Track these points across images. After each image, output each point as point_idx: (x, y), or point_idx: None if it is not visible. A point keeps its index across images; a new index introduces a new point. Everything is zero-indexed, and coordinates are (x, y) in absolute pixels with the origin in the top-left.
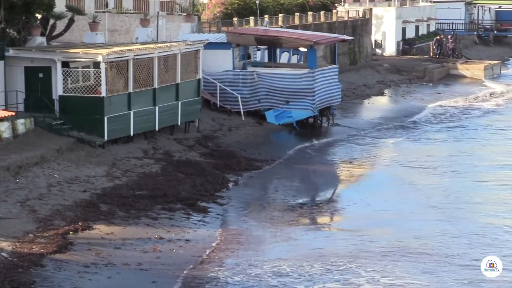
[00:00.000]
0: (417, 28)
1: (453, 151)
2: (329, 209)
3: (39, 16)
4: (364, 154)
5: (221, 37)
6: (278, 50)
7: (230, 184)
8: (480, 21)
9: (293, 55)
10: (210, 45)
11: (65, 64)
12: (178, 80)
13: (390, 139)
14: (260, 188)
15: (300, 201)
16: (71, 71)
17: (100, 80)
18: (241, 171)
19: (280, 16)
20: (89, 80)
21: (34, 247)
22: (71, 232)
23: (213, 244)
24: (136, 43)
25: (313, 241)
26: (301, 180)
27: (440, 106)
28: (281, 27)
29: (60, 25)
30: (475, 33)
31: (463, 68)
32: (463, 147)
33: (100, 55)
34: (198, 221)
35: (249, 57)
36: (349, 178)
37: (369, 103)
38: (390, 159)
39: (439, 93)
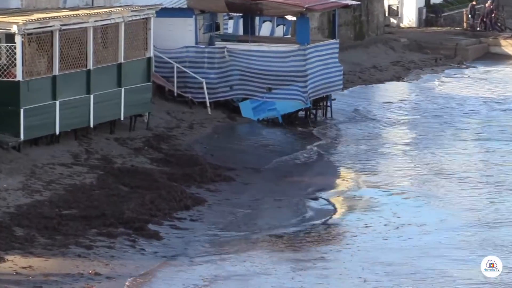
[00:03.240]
0: None
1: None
2: (327, 237)
3: None
4: (375, 161)
5: (179, 1)
6: (257, 19)
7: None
8: None
9: (277, 25)
10: (164, 12)
11: None
12: (121, 59)
13: (408, 140)
14: (232, 207)
15: (287, 226)
16: None
17: (15, 59)
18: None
19: None
20: (0, 59)
21: None
22: None
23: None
24: (64, 8)
25: (298, 282)
26: (289, 196)
27: (469, 97)
28: None
29: None
30: None
31: (507, 45)
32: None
33: (15, 24)
34: (149, 251)
35: (218, 28)
36: (357, 195)
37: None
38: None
39: (468, 77)
